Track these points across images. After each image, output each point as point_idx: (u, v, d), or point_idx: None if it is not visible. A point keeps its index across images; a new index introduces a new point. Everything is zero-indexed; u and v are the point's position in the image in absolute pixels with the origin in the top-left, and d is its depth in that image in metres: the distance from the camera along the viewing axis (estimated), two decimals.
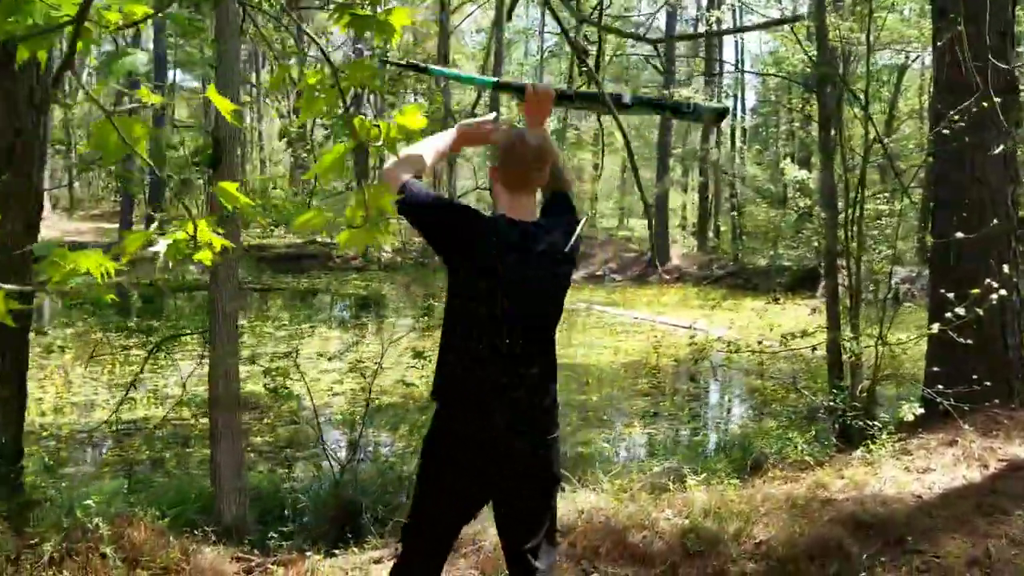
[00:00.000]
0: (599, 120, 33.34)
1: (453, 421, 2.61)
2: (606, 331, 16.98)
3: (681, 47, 35.02)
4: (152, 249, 1.50)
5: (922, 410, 6.37)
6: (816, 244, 15.14)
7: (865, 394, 6.51)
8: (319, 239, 25.00)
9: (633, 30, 26.24)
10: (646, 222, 33.91)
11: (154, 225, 1.56)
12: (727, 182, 28.46)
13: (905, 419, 6.30)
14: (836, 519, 4.77)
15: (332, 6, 1.45)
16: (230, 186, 1.46)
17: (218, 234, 1.48)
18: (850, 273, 7.15)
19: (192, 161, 6.16)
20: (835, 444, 6.53)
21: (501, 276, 2.56)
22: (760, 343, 7.07)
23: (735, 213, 28.08)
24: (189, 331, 6.52)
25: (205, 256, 1.57)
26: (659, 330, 16.87)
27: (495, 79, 2.66)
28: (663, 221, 29.23)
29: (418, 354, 6.29)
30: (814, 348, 7.56)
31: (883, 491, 5.32)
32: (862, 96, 7.59)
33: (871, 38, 7.82)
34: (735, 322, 17.30)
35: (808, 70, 14.62)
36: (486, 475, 2.60)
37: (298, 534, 5.12)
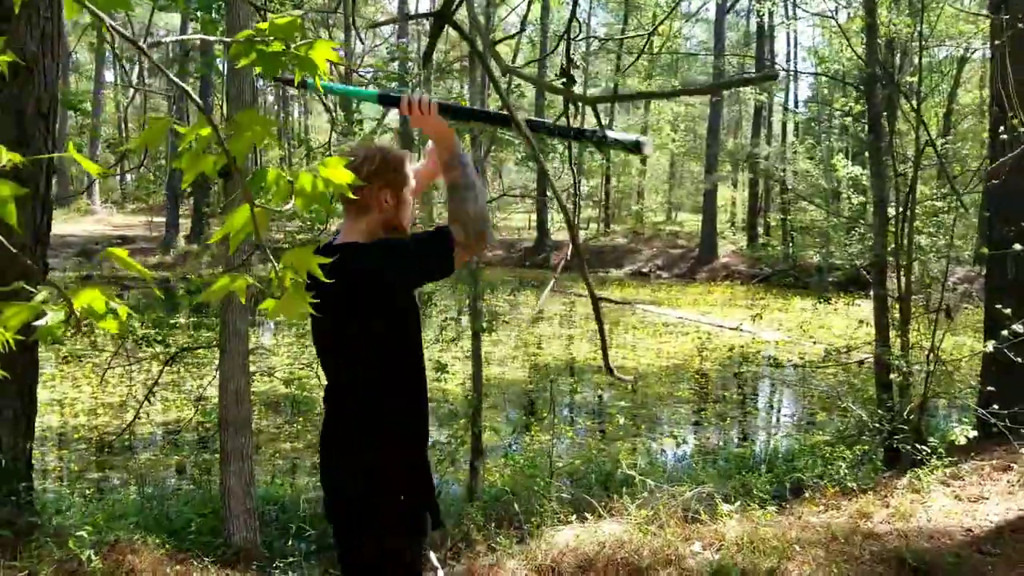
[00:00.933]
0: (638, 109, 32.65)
1: None
2: (649, 331, 16.62)
3: (731, 39, 34.38)
4: (36, 323, 1.31)
5: (975, 432, 6.00)
6: (868, 242, 14.60)
7: (914, 416, 6.13)
8: None
9: (679, 16, 25.66)
10: (695, 217, 33.43)
11: (41, 295, 1.35)
12: (777, 178, 27.82)
13: (957, 442, 5.92)
14: (878, 557, 4.45)
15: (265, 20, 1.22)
16: (121, 252, 1.25)
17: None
18: (900, 284, 6.76)
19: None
20: (881, 467, 6.16)
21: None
22: (803, 357, 6.70)
23: (784, 211, 27.42)
24: (201, 344, 6.36)
25: (110, 325, 1.37)
26: (704, 331, 16.49)
27: (377, 91, 2.34)
28: (711, 218, 28.69)
29: (441, 367, 6.09)
30: (861, 362, 7.18)
31: (931, 523, 4.98)
32: (913, 96, 7.18)
33: (924, 34, 7.41)
34: (783, 323, 16.89)
35: (861, 66, 14.07)
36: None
37: (310, 557, 4.94)
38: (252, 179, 1.23)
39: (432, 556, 4.36)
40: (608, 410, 10.40)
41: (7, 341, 1.39)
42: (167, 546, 4.29)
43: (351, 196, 2.38)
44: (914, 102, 6.94)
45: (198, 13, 5.91)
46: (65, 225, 24.53)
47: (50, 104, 4.74)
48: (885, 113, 7.52)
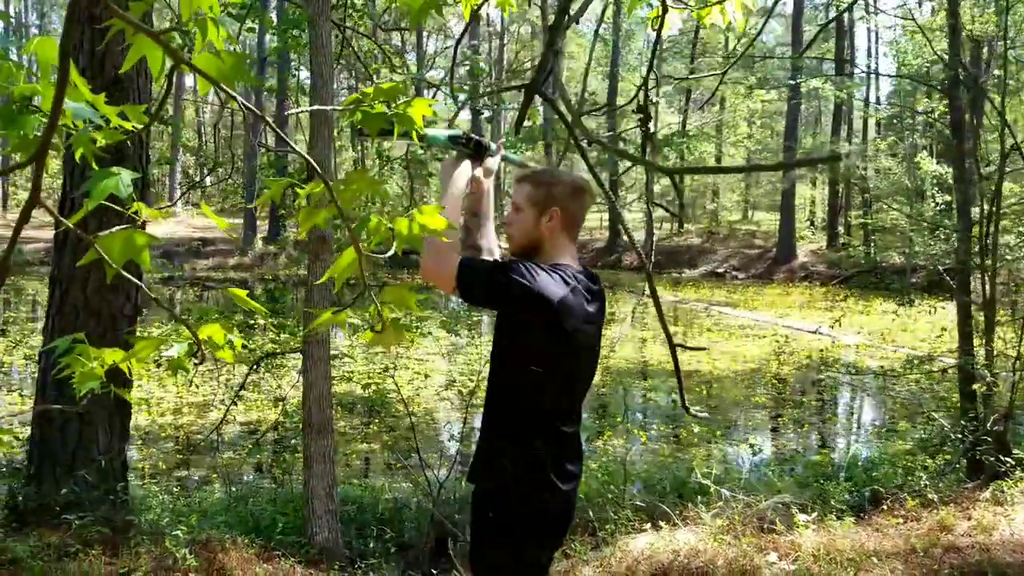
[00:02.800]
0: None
1: None
2: (724, 334, 16.48)
3: (808, 34, 33.76)
4: (165, 355, 1.44)
5: None
6: (951, 243, 14.20)
7: (998, 427, 5.99)
8: None
9: (757, 12, 25.29)
10: (772, 216, 32.89)
11: (168, 327, 1.47)
12: (858, 177, 27.20)
13: None
14: (959, 570, 4.39)
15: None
16: (240, 292, 1.37)
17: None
18: (984, 292, 6.61)
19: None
20: (963, 479, 6.05)
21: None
22: (886, 361, 6.60)
23: (865, 210, 26.79)
24: (286, 351, 6.56)
25: (227, 355, 1.50)
26: (782, 334, 16.28)
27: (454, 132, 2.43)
28: (790, 217, 28.23)
29: None
30: (945, 371, 7.04)
31: (1014, 537, 4.88)
32: (997, 98, 7.01)
33: (1008, 34, 7.22)
34: (864, 327, 16.55)
35: (942, 64, 13.67)
36: None
37: (391, 558, 5.07)
38: (357, 225, 1.33)
39: None
40: (683, 415, 10.37)
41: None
42: (255, 545, 4.46)
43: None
44: (998, 103, 6.77)
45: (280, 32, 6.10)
46: (147, 227, 25.33)
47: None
48: (968, 114, 7.35)
